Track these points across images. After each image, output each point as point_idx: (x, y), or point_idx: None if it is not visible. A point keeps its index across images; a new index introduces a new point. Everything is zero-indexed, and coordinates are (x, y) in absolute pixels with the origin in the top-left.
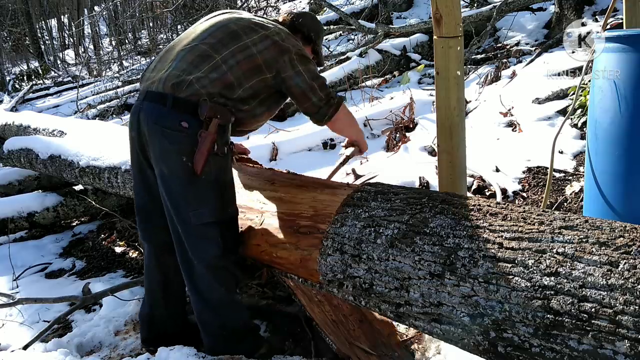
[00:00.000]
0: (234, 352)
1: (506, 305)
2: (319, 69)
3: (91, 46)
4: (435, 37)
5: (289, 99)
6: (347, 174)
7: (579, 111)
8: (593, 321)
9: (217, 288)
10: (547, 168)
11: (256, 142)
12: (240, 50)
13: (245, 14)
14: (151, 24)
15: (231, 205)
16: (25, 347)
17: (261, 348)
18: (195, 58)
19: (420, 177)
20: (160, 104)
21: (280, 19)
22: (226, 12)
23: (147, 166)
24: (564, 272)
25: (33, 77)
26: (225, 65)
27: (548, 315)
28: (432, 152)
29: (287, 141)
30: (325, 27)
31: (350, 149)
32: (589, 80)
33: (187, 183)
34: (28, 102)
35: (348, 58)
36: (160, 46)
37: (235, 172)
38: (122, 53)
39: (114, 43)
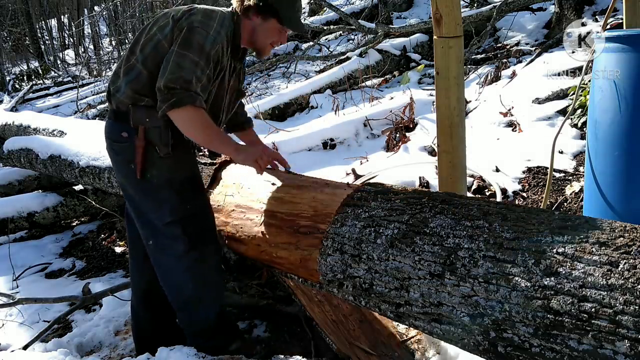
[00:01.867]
0: (203, 350)
1: (506, 305)
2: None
3: (91, 46)
4: (435, 37)
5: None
6: (347, 174)
7: (579, 111)
8: (593, 321)
9: (186, 285)
10: (547, 168)
11: None
12: (148, 40)
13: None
14: None
15: (191, 201)
16: (25, 347)
17: (233, 343)
18: (123, 68)
19: (420, 177)
20: (108, 118)
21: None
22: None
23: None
24: (564, 272)
25: (33, 77)
26: (139, 63)
27: (548, 315)
28: (432, 152)
29: (287, 141)
30: (325, 27)
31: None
32: (589, 80)
33: (142, 188)
34: (28, 102)
35: (348, 58)
36: None
37: (234, 174)
38: (122, 53)
39: (114, 43)
